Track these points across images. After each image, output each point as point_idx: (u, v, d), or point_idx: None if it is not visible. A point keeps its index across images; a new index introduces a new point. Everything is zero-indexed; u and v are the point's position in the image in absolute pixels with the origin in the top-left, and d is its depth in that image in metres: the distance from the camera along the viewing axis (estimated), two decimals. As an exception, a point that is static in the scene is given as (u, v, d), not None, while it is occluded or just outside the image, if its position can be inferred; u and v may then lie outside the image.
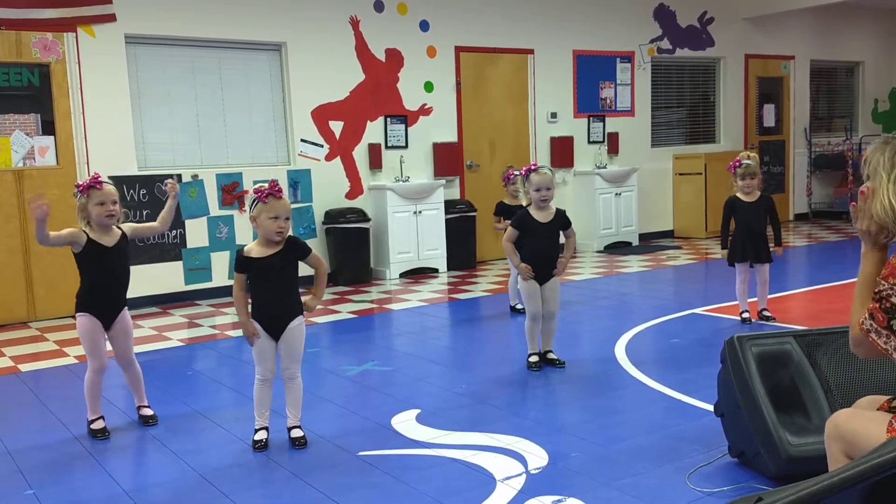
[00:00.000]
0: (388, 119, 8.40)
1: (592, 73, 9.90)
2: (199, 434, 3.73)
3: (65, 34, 6.72)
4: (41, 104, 6.70)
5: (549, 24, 9.46)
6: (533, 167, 4.42)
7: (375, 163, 8.31)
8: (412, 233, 8.23)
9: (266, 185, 3.35)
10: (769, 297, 5.62)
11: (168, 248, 7.26)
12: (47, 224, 3.52)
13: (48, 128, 6.73)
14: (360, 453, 3.35)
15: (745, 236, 5.38)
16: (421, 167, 8.64)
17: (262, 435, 3.48)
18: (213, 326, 6.22)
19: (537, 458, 3.20)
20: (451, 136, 8.84)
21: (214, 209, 7.47)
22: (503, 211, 6.11)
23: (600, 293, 6.89)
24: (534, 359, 4.54)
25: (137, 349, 5.37)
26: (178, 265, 7.32)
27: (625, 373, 4.39)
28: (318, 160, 8.01)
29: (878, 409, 2.09)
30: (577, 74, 9.77)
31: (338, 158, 8.15)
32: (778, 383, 2.91)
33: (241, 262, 3.42)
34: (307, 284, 3.64)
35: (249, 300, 3.50)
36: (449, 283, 7.79)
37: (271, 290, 3.43)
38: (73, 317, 3.80)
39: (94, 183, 3.62)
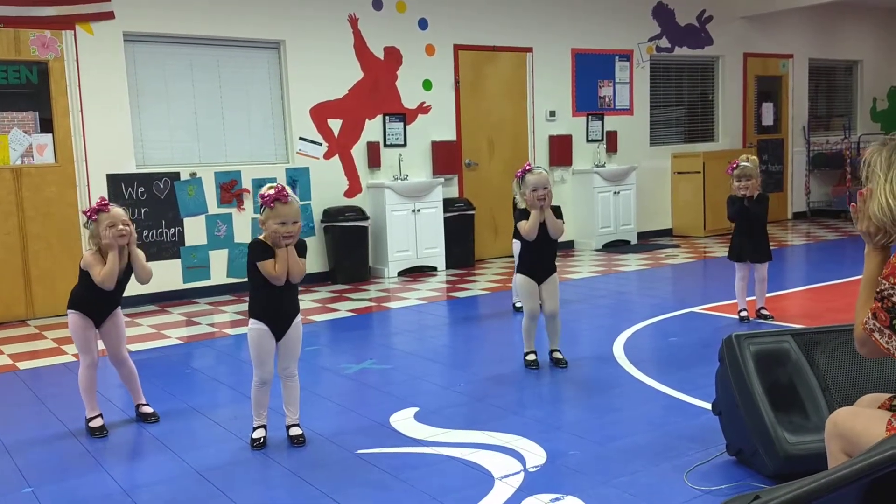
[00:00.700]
0: (387, 117, 8.40)
1: (591, 71, 9.90)
2: (197, 432, 3.73)
3: (63, 32, 6.71)
4: (39, 102, 6.69)
5: (548, 22, 9.46)
6: (528, 168, 4.41)
7: (374, 161, 8.31)
8: (411, 231, 8.23)
9: (273, 189, 3.28)
10: (767, 295, 5.62)
11: (166, 246, 7.25)
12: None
13: (46, 125, 6.72)
14: (359, 451, 3.35)
15: (742, 237, 5.39)
16: (419, 165, 8.64)
17: (260, 433, 3.49)
18: (212, 324, 6.21)
19: (535, 456, 3.20)
20: (449, 135, 8.83)
21: (213, 207, 7.46)
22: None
23: (598, 292, 6.90)
24: (531, 357, 4.54)
25: (136, 347, 5.39)
26: (177, 263, 7.32)
27: (623, 371, 4.39)
28: (317, 158, 8.01)
29: (879, 408, 2.09)
30: (575, 73, 9.77)
31: (336, 157, 8.14)
32: (776, 382, 2.91)
33: (265, 248, 3.34)
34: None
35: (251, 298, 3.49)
36: (447, 282, 7.79)
37: (281, 290, 3.40)
38: (66, 314, 3.80)
39: (101, 206, 3.60)
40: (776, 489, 1.36)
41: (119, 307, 3.85)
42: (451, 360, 5.02)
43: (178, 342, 5.66)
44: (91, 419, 3.75)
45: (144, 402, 3.96)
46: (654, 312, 5.89)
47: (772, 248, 5.46)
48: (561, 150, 9.61)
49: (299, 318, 3.49)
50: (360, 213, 8.00)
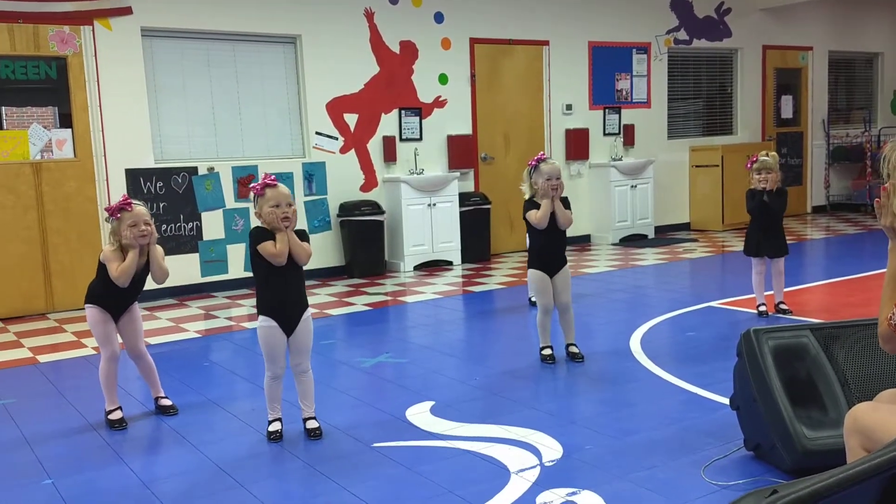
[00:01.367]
0: (403, 111, 8.40)
1: (608, 64, 9.84)
2: (215, 425, 3.76)
3: (82, 27, 6.76)
4: (59, 97, 6.75)
5: (565, 15, 9.41)
6: (542, 157, 4.39)
7: (390, 155, 8.31)
8: (426, 225, 8.24)
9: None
10: (786, 290, 5.58)
11: (185, 241, 7.30)
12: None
13: (66, 121, 6.77)
14: (375, 445, 3.36)
15: (759, 232, 5.35)
16: (435, 160, 8.63)
17: (276, 426, 3.51)
18: (229, 318, 6.25)
19: (551, 450, 3.20)
20: (465, 129, 8.82)
21: (230, 201, 7.50)
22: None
23: (615, 286, 6.87)
24: (547, 352, 4.53)
25: (154, 340, 5.43)
26: (195, 257, 7.37)
27: (640, 366, 4.38)
28: (333, 153, 8.02)
29: (898, 403, 2.07)
30: (592, 66, 9.72)
31: (352, 151, 8.15)
32: (794, 376, 2.89)
33: (265, 233, 3.36)
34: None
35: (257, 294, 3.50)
36: (463, 276, 7.79)
37: (285, 281, 3.42)
38: (84, 307, 3.84)
39: (124, 205, 3.62)
40: (794, 484, 1.35)
41: (136, 302, 3.88)
42: (466, 354, 5.02)
43: (197, 335, 5.70)
44: (111, 412, 3.79)
45: (163, 394, 3.99)
46: (672, 307, 5.86)
47: (791, 242, 5.43)
48: (577, 144, 9.57)
49: (309, 312, 3.50)
50: (375, 208, 8.01)
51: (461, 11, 8.68)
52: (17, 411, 4.08)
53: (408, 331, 5.73)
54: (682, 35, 10.43)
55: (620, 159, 9.83)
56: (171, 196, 7.20)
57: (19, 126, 6.58)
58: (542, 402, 3.84)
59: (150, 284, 4.00)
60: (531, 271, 4.49)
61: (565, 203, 4.43)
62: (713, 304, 5.91)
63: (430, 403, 3.88)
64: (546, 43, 9.33)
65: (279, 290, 3.43)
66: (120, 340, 3.86)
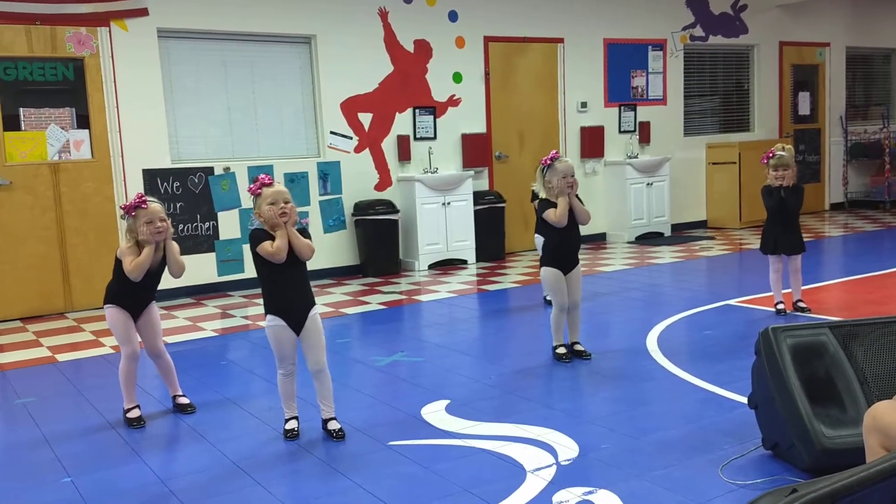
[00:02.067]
0: (417, 110, 8.40)
1: (623, 61, 9.80)
2: (232, 423, 3.78)
3: (98, 29, 6.81)
4: (76, 98, 6.80)
5: (579, 12, 9.38)
6: (555, 156, 4.38)
7: (404, 154, 8.32)
8: (441, 224, 8.24)
9: (256, 181, 3.47)
10: (804, 287, 5.54)
11: (201, 240, 7.34)
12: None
13: (83, 122, 6.83)
14: (390, 443, 3.36)
15: (776, 229, 5.31)
16: (449, 158, 8.63)
17: (292, 424, 3.52)
18: (246, 317, 6.28)
19: (567, 449, 3.19)
20: (479, 127, 8.81)
21: (246, 201, 7.53)
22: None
23: (631, 284, 6.84)
24: (561, 350, 4.51)
25: (172, 339, 5.47)
26: (211, 256, 7.41)
27: (656, 364, 4.36)
28: (348, 152, 8.04)
29: (918, 402, 2.05)
30: (607, 63, 9.68)
31: (367, 150, 8.17)
32: (813, 375, 2.87)
33: (262, 233, 3.38)
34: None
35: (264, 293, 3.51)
36: (478, 275, 7.79)
37: (290, 279, 3.43)
38: (103, 307, 3.87)
39: (140, 202, 3.65)
40: (814, 483, 1.34)
41: (154, 301, 3.91)
42: (481, 352, 5.01)
43: (214, 334, 5.73)
44: (129, 410, 3.81)
45: (181, 393, 4.02)
46: (689, 305, 5.83)
47: (809, 239, 5.39)
48: (593, 142, 9.54)
49: (317, 310, 3.49)
50: (390, 207, 8.02)
51: (475, 10, 8.67)
52: (36, 410, 4.11)
53: (422, 329, 5.73)
54: (698, 31, 10.37)
55: (636, 157, 9.79)
56: (187, 196, 7.24)
57: (37, 127, 6.64)
58: (557, 401, 3.83)
59: (166, 284, 4.03)
60: (545, 269, 4.47)
61: (579, 200, 4.42)
62: (731, 302, 5.87)
63: (445, 402, 3.88)
64: (561, 40, 9.30)
65: (285, 289, 3.44)
66: (139, 339, 3.89)
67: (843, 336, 2.94)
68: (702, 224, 10.69)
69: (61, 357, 5.25)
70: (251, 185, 3.44)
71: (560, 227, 4.34)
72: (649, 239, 9.66)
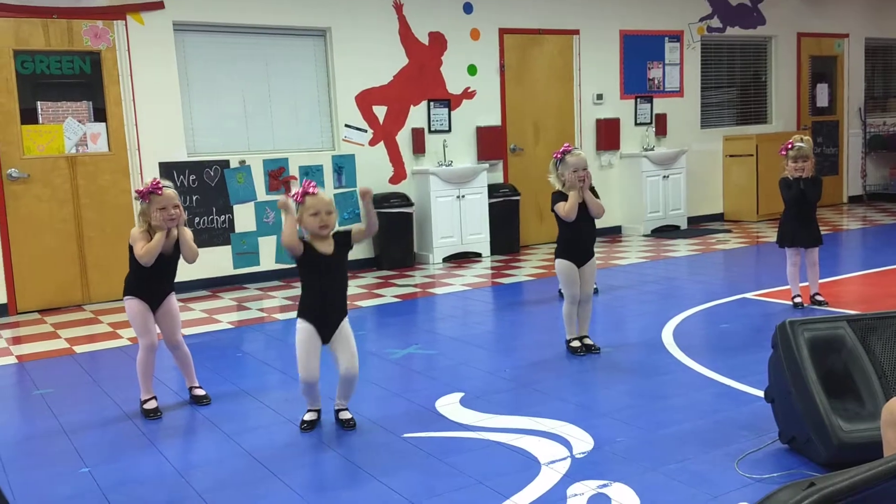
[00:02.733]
0: (432, 103, 8.39)
1: (640, 53, 9.74)
2: (248, 414, 3.80)
3: (115, 22, 6.85)
4: (93, 92, 6.84)
5: (595, 3, 9.32)
6: (567, 149, 4.36)
7: (419, 147, 8.31)
8: (455, 217, 8.23)
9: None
10: (821, 281, 5.49)
11: (217, 233, 7.38)
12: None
13: (100, 115, 6.87)
14: (405, 435, 3.37)
15: (794, 222, 5.27)
16: (464, 151, 8.62)
17: (311, 416, 3.53)
18: (261, 309, 6.31)
19: (582, 442, 3.18)
20: (494, 120, 8.79)
21: (261, 194, 7.56)
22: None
23: (647, 277, 6.81)
24: (575, 343, 4.50)
25: (188, 331, 5.50)
26: (227, 249, 7.44)
27: (672, 358, 4.34)
28: (362, 145, 8.04)
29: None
30: (623, 55, 9.62)
31: (381, 143, 8.17)
32: (830, 369, 2.85)
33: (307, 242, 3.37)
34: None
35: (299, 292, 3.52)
36: (492, 268, 7.78)
37: (328, 287, 3.40)
38: (122, 299, 3.89)
39: (154, 189, 3.67)
40: (832, 476, 1.32)
41: (173, 293, 3.93)
42: (495, 345, 5.01)
43: (230, 326, 5.76)
44: (146, 401, 3.84)
45: (197, 384, 4.04)
46: (705, 298, 5.79)
47: (826, 232, 5.35)
48: (608, 134, 9.49)
49: (347, 320, 3.45)
50: (404, 200, 8.02)
51: (490, 2, 8.64)
52: (54, 401, 4.15)
53: (437, 322, 5.73)
54: (716, 23, 10.28)
55: (652, 149, 9.73)
56: (203, 189, 7.28)
57: (55, 120, 6.69)
58: (572, 394, 3.83)
59: (183, 276, 4.05)
60: (559, 261, 4.45)
61: (593, 192, 4.40)
62: (747, 295, 5.83)
63: (459, 395, 3.88)
64: (576, 32, 9.25)
65: (325, 294, 3.40)
66: (158, 331, 3.91)
67: (861, 330, 2.91)
68: (718, 217, 10.62)
69: (79, 348, 5.30)
70: (297, 192, 3.36)
71: (571, 221, 4.32)
72: (665, 232, 9.61)
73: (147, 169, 7.00)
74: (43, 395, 4.28)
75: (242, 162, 7.47)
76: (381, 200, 7.93)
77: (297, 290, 6.94)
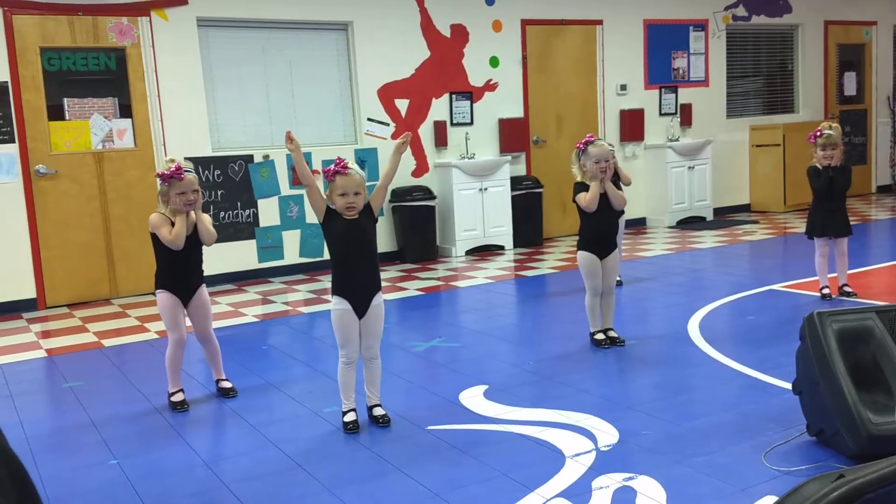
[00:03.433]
0: (454, 96, 8.37)
1: (664, 42, 9.65)
2: (274, 407, 3.83)
3: (139, 18, 6.90)
4: (118, 88, 6.91)
5: (618, -6, 9.25)
6: (590, 139, 4.33)
7: (441, 140, 8.31)
8: (478, 210, 8.22)
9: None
10: (849, 272, 5.41)
11: (242, 227, 7.43)
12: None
13: (125, 111, 6.94)
14: (429, 427, 3.38)
15: (823, 210, 5.19)
16: (486, 144, 8.60)
17: (351, 416, 3.44)
18: (286, 303, 6.35)
19: (607, 435, 3.17)
20: (517, 112, 8.75)
21: (285, 188, 7.60)
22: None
23: (672, 269, 6.76)
24: (599, 336, 4.48)
25: (214, 324, 5.54)
26: (252, 243, 7.49)
27: (698, 350, 4.30)
28: (385, 138, 8.05)
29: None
30: (647, 44, 9.53)
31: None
32: (859, 360, 2.81)
33: (332, 213, 3.35)
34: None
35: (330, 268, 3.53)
36: (515, 261, 7.76)
37: (353, 253, 3.35)
38: (154, 293, 3.94)
39: (176, 174, 3.71)
40: (861, 468, 1.31)
41: (204, 285, 3.96)
42: (519, 338, 5.00)
43: (255, 320, 5.81)
44: (173, 394, 3.89)
45: (224, 377, 4.08)
46: (732, 290, 5.74)
47: (854, 222, 5.28)
48: (632, 125, 9.42)
49: (381, 295, 3.44)
50: (427, 193, 8.02)
51: (512, -7, 8.60)
52: (83, 394, 4.21)
53: (460, 315, 5.73)
54: (741, 11, 10.15)
55: (677, 140, 9.64)
56: (228, 184, 7.33)
57: (81, 117, 6.76)
58: (596, 387, 3.81)
59: (208, 270, 4.08)
60: (581, 253, 4.42)
61: (615, 184, 4.37)
62: (774, 287, 5.77)
63: (483, 387, 3.88)
64: (600, 22, 9.18)
65: (354, 267, 3.37)
66: (188, 324, 3.95)
67: (890, 321, 2.87)
68: (745, 208, 10.50)
69: (107, 342, 5.37)
70: (328, 168, 3.38)
71: (593, 212, 4.30)
72: (691, 223, 9.53)
73: (172, 164, 7.05)
74: (72, 388, 4.35)
75: (266, 156, 7.51)
76: (403, 194, 7.94)
77: (321, 284, 6.99)
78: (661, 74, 9.67)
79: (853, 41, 11.23)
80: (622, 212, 4.67)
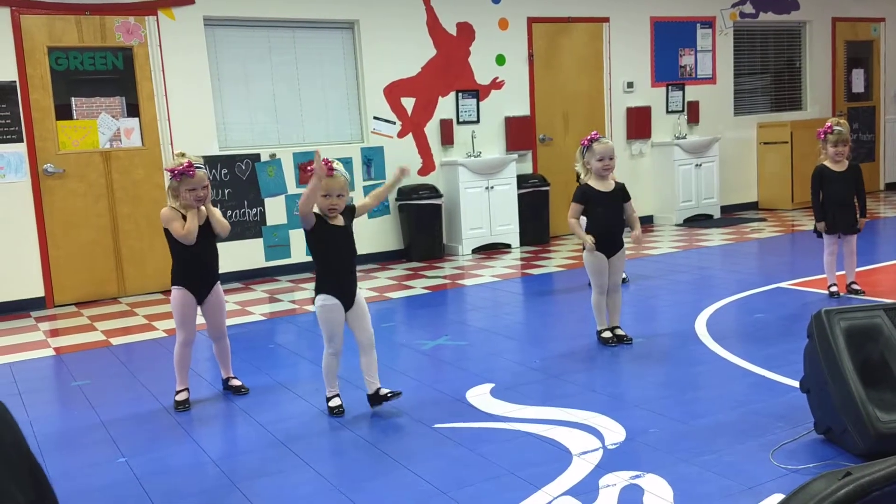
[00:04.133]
0: (460, 94, 8.37)
1: (671, 39, 9.62)
2: (281, 404, 3.83)
3: (146, 18, 6.92)
4: (126, 87, 6.93)
5: (625, -9, 9.23)
6: (595, 137, 4.33)
7: (447, 138, 8.30)
8: (484, 208, 8.21)
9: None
10: (858, 269, 5.39)
11: (249, 226, 7.45)
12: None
13: (133, 110, 6.96)
14: (436, 425, 3.38)
15: (835, 207, 5.17)
16: (493, 142, 8.59)
17: (336, 401, 3.60)
18: (293, 301, 6.36)
19: (614, 433, 3.16)
20: (523, 110, 8.74)
21: (292, 187, 7.61)
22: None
23: (679, 267, 6.74)
24: (607, 334, 4.47)
25: (221, 323, 5.56)
26: (259, 242, 7.51)
27: (705, 348, 4.29)
28: (391, 137, 8.05)
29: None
30: (654, 42, 9.51)
31: (410, 135, 8.17)
32: (867, 358, 2.80)
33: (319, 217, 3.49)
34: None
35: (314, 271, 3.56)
36: (522, 259, 7.76)
37: (343, 256, 3.54)
38: (164, 292, 3.95)
39: (187, 170, 3.72)
40: (868, 466, 1.30)
41: (219, 282, 3.96)
42: (525, 336, 5.00)
43: (262, 318, 5.82)
44: (177, 392, 3.89)
45: (233, 375, 4.09)
46: (739, 288, 5.72)
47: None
48: (639, 123, 9.40)
49: (360, 293, 3.62)
50: (433, 191, 8.02)
51: (519, -9, 8.58)
52: (91, 392, 4.23)
53: (466, 313, 5.73)
54: (748, 8, 10.12)
55: (684, 137, 9.62)
56: (235, 182, 7.34)
57: (89, 116, 6.79)
58: (603, 385, 3.81)
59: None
60: (587, 252, 4.42)
61: (626, 194, 4.37)
62: (782, 284, 5.75)
63: (490, 385, 3.88)
64: (606, 20, 9.16)
65: (339, 266, 3.53)
66: (199, 323, 3.96)
67: (900, 318, 2.85)
68: (752, 206, 10.47)
69: (115, 341, 5.39)
70: (311, 166, 3.51)
71: (599, 209, 4.30)
72: (698, 221, 9.50)
73: (179, 163, 7.07)
74: (80, 386, 4.36)
75: (273, 155, 7.52)
76: (409, 192, 7.94)
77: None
78: (668, 72, 9.65)
79: (861, 38, 11.18)
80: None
